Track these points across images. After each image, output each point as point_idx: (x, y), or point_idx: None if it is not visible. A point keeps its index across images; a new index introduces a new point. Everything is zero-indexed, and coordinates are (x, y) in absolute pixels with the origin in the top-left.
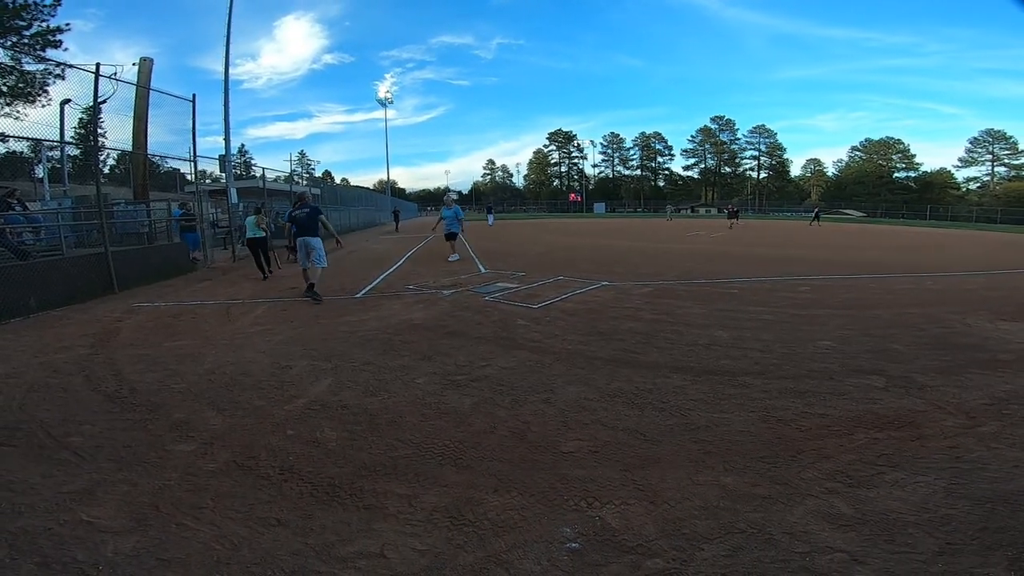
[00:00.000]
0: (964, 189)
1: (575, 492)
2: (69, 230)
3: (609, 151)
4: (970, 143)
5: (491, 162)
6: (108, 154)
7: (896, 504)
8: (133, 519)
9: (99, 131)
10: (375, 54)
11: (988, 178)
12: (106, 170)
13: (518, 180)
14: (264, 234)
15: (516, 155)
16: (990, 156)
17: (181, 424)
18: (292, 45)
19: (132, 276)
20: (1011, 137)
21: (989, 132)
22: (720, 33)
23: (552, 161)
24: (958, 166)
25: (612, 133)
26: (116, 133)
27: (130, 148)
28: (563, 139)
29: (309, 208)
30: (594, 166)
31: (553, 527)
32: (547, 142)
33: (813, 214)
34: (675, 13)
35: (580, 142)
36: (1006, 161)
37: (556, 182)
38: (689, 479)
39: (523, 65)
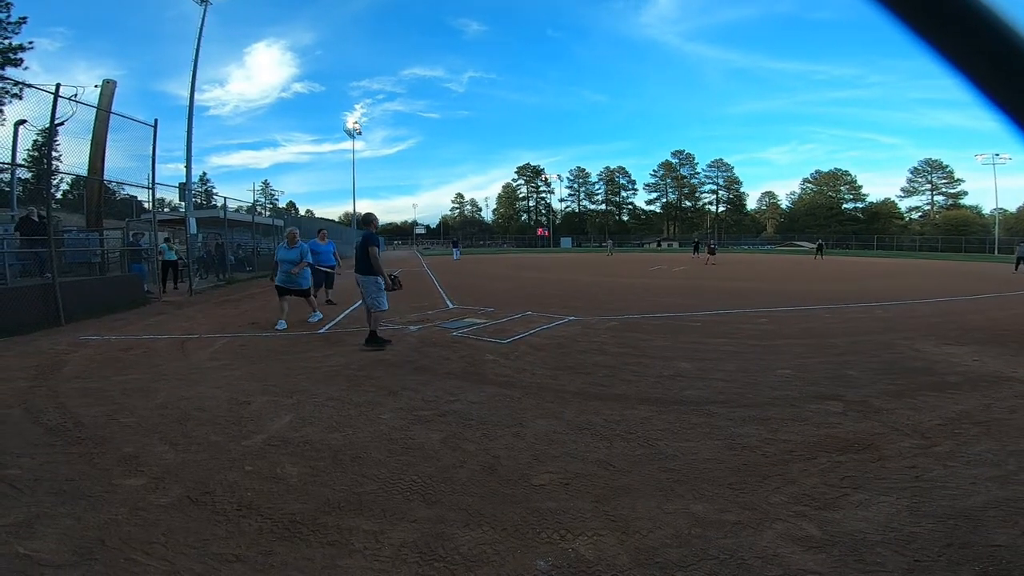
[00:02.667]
0: (907, 219)
1: (547, 525)
2: (14, 257)
3: (575, 185)
4: (911, 173)
5: (460, 196)
6: (61, 179)
7: (862, 524)
8: (76, 553)
9: (54, 154)
10: (345, 84)
11: (928, 207)
12: (58, 195)
13: (487, 214)
14: (176, 258)
15: (485, 189)
16: (929, 186)
17: (130, 458)
18: (262, 72)
19: (81, 308)
20: (947, 166)
21: (928, 162)
22: (680, 68)
23: (520, 195)
24: (901, 196)
25: (578, 167)
26: (72, 157)
27: (85, 173)
28: (531, 173)
29: (363, 236)
30: (561, 200)
31: (527, 560)
32: (516, 176)
33: (816, 248)
34: (638, 49)
35: (548, 176)
36: (944, 190)
37: (524, 216)
38: (659, 508)
39: (494, 99)
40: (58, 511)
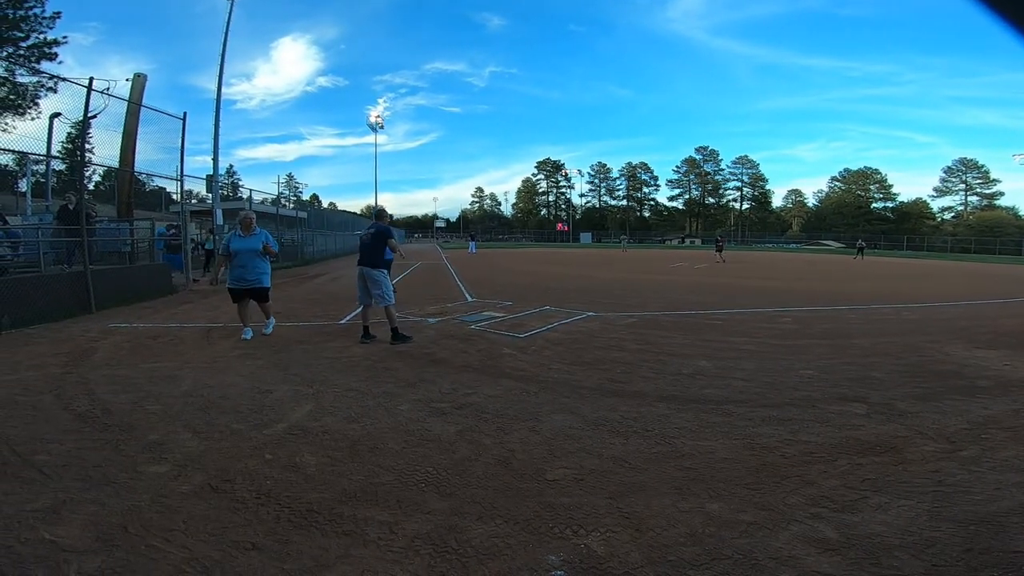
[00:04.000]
0: (939, 219)
1: (560, 520)
2: (48, 246)
3: (596, 181)
4: (944, 172)
5: (479, 190)
6: (94, 170)
7: (881, 528)
8: (99, 539)
9: (87, 146)
10: (369, 78)
11: (962, 208)
12: (91, 186)
13: (506, 209)
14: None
15: (505, 183)
16: (963, 186)
17: (155, 445)
18: (287, 66)
19: (111, 296)
20: (983, 166)
21: (962, 161)
22: (707, 63)
23: (540, 190)
24: (933, 196)
25: (599, 163)
26: (104, 149)
27: (116, 165)
28: (551, 168)
29: (375, 229)
30: (581, 196)
31: (538, 555)
32: (536, 171)
33: (857, 248)
34: (664, 44)
35: (568, 171)
36: (978, 190)
37: (544, 211)
38: (674, 506)
39: (515, 94)
40: (84, 497)
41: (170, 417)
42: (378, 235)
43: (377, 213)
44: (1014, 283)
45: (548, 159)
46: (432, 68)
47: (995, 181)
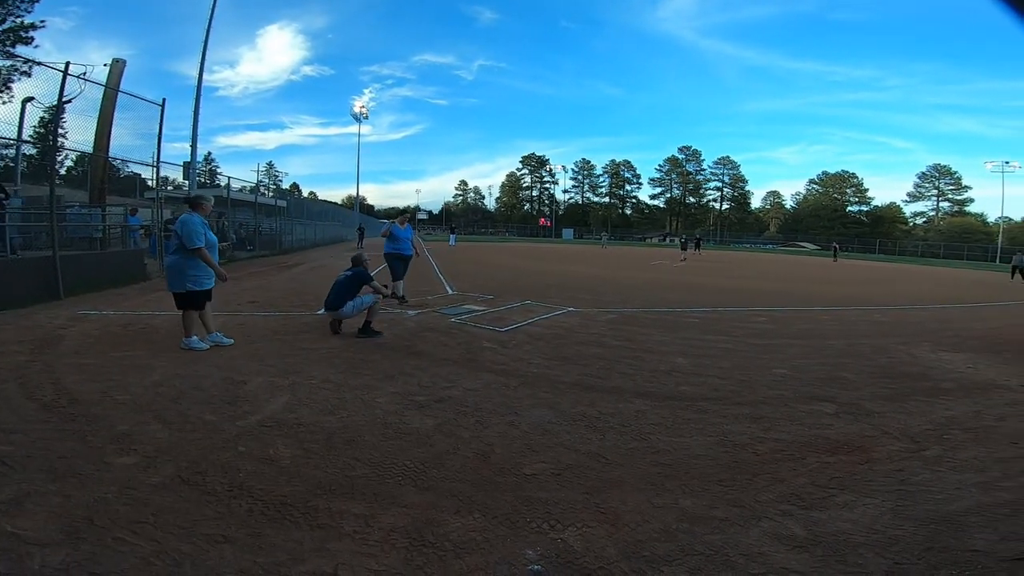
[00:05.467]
0: (911, 224)
1: (538, 514)
2: (16, 231)
3: (580, 177)
4: (919, 178)
5: (463, 183)
6: (66, 155)
7: (847, 526)
8: (64, 532)
9: (60, 131)
10: (355, 68)
11: (933, 213)
12: (63, 171)
13: (490, 202)
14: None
15: (490, 177)
16: (936, 191)
17: (123, 436)
18: (273, 55)
19: (81, 282)
20: (956, 173)
21: (936, 167)
22: (695, 64)
23: (524, 185)
24: (907, 200)
25: (583, 159)
26: (78, 134)
27: (90, 150)
28: (536, 163)
29: (352, 272)
30: (565, 192)
31: (516, 549)
32: (520, 165)
33: (832, 250)
34: (654, 43)
35: (552, 167)
36: (950, 196)
37: (527, 206)
38: (649, 502)
39: (504, 88)
40: (48, 489)
41: (140, 407)
42: (355, 279)
43: (354, 259)
44: (981, 288)
45: (533, 154)
46: (421, 60)
47: (966, 188)
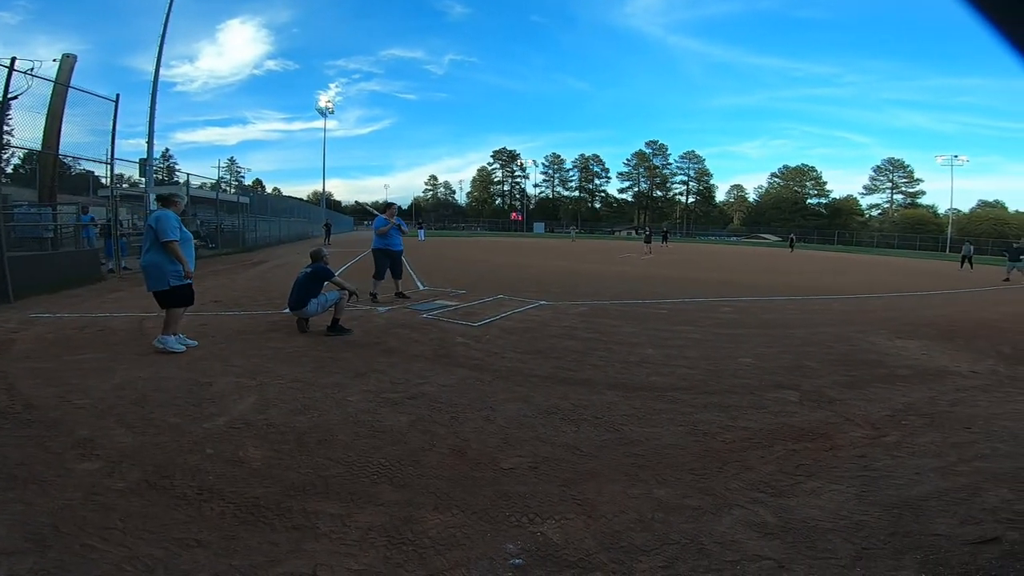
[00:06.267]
0: (867, 216)
1: (516, 508)
2: None
3: (550, 171)
4: (874, 171)
5: (433, 178)
6: (13, 153)
7: (815, 512)
8: (29, 540)
9: (6, 128)
10: (321, 63)
11: (888, 205)
12: (9, 170)
13: (461, 197)
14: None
15: (460, 172)
16: (890, 184)
17: (85, 442)
18: (234, 49)
19: (32, 284)
20: (908, 166)
21: (890, 161)
22: (661, 59)
23: (495, 179)
24: (863, 193)
25: (554, 154)
26: (26, 132)
27: (39, 147)
28: (507, 158)
29: (311, 268)
30: (535, 186)
31: (496, 544)
32: (491, 160)
33: (789, 242)
34: (622, 38)
35: (523, 161)
36: (903, 189)
37: (499, 200)
38: (624, 492)
39: (474, 82)
40: (7, 496)
41: (100, 412)
42: (316, 275)
43: (313, 254)
44: (933, 277)
45: (504, 149)
46: (388, 54)
47: (918, 180)
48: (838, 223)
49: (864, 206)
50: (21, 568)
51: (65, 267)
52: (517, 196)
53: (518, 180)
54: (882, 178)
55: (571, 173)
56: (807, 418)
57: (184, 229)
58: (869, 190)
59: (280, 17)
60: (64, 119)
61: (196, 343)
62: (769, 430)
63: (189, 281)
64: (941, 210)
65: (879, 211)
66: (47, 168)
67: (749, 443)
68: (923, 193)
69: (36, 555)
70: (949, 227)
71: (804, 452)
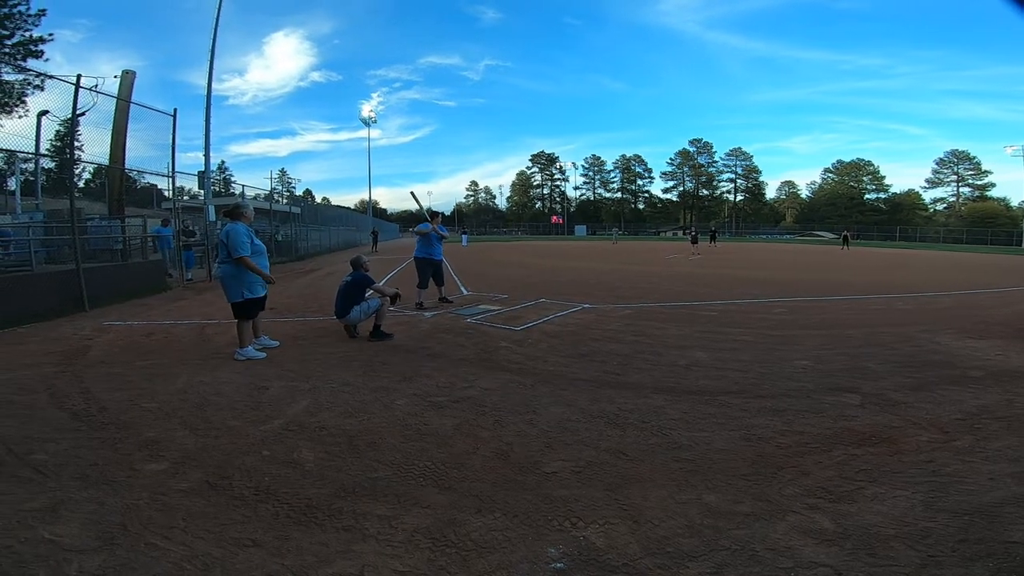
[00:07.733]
0: (932, 210)
1: (559, 512)
2: (40, 245)
3: (590, 173)
4: (936, 164)
5: (474, 183)
6: (84, 168)
7: (877, 518)
8: (99, 538)
9: (76, 144)
10: (362, 73)
11: (954, 199)
12: (81, 184)
13: (501, 202)
14: None
15: (500, 177)
16: (955, 177)
17: (151, 443)
18: (280, 61)
19: (104, 294)
20: (975, 158)
21: (954, 153)
22: (699, 56)
23: (535, 183)
24: (925, 187)
25: (594, 155)
26: (93, 147)
27: (107, 162)
28: (546, 161)
29: (352, 276)
30: (576, 188)
31: (538, 547)
32: (530, 164)
33: (842, 239)
34: (657, 37)
35: (562, 164)
36: (970, 182)
37: (538, 204)
38: (672, 498)
39: (509, 87)
40: (82, 496)
41: (166, 414)
42: (355, 283)
43: (353, 262)
44: (1005, 274)
45: (542, 152)
46: (426, 62)
47: (987, 172)
48: (899, 218)
49: (927, 200)
50: (91, 565)
51: (134, 277)
52: (557, 199)
53: (558, 183)
54: (946, 171)
55: (612, 174)
56: (869, 422)
57: (256, 240)
58: (932, 183)
59: (321, 28)
60: (127, 134)
61: (278, 343)
62: (828, 434)
63: (261, 293)
64: (1014, 203)
65: (944, 205)
66: (115, 182)
67: (806, 448)
68: (993, 185)
69: (106, 552)
70: (1023, 220)
71: (866, 457)
